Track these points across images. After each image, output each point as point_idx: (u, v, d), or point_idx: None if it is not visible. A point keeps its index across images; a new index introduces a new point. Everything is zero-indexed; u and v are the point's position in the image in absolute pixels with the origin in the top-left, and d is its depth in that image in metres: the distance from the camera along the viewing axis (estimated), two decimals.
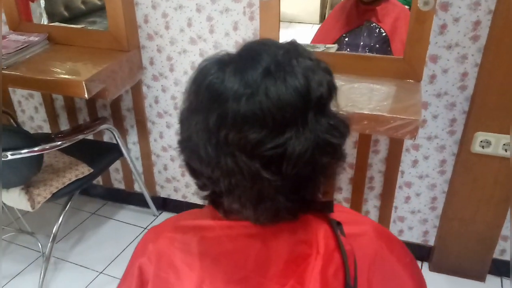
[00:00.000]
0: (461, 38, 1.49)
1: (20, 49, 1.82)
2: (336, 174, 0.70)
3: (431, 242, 1.91)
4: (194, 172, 0.69)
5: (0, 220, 2.02)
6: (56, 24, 2.08)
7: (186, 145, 0.66)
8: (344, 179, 1.88)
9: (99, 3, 2.20)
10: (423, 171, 1.77)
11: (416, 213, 1.87)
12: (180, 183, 2.22)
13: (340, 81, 1.59)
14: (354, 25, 1.92)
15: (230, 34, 1.75)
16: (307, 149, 0.60)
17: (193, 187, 2.13)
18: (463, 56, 1.52)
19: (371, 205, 1.90)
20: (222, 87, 0.60)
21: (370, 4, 1.87)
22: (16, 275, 1.96)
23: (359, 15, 1.92)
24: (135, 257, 0.78)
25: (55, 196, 1.74)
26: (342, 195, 1.93)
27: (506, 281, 1.85)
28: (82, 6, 2.30)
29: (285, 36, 1.72)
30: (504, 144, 1.54)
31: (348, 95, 1.47)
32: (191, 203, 2.25)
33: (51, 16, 2.22)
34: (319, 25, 2.03)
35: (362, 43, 1.89)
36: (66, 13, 2.28)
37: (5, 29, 2.07)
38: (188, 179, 2.17)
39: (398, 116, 1.33)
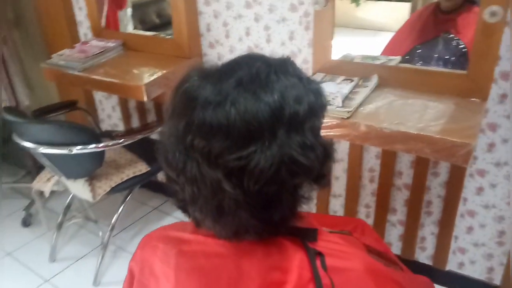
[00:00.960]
0: None
1: (97, 54, 1.98)
2: (307, 198, 0.66)
3: (497, 281, 1.70)
4: (167, 178, 0.69)
5: None
6: (131, 31, 2.22)
7: (160, 149, 0.67)
8: (399, 200, 1.76)
9: None
10: (489, 200, 1.59)
11: (480, 246, 1.68)
12: None
13: (393, 96, 1.49)
14: (429, 36, 1.79)
15: (286, 43, 1.73)
16: (271, 164, 0.58)
17: None
18: None
19: (428, 231, 1.75)
20: (196, 94, 0.61)
21: (450, 14, 1.73)
22: (80, 258, 2.13)
23: (436, 25, 1.78)
24: (130, 260, 0.81)
25: (114, 190, 1.86)
26: (396, 217, 1.80)
27: None
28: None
29: (369, 44, 1.66)
30: None
31: (398, 112, 1.37)
32: None
33: (143, 23, 2.37)
34: None
35: (436, 55, 1.75)
36: (157, 20, 2.44)
37: (89, 35, 2.27)
38: None
39: (447, 138, 1.20)
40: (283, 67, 0.64)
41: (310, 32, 1.65)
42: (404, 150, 1.33)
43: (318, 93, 0.64)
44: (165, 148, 0.64)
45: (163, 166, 0.66)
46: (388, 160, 1.69)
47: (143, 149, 2.02)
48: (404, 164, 1.68)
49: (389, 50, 1.86)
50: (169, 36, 2.05)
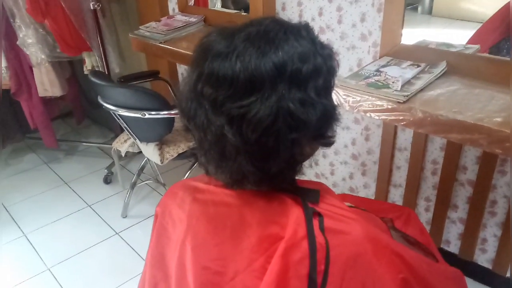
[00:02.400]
0: None
1: (179, 27, 2.11)
2: (306, 154, 0.68)
3: None
4: (184, 125, 0.75)
5: None
6: (216, 8, 2.33)
7: (178, 98, 0.73)
8: (461, 196, 1.67)
9: None
10: None
11: None
12: (328, 182, 2.16)
13: (459, 84, 1.42)
14: None
15: (357, 25, 1.70)
16: (268, 115, 0.61)
17: (340, 187, 2.12)
18: None
19: (490, 232, 1.64)
20: (210, 46, 0.66)
21: None
22: (148, 217, 2.33)
23: None
24: (157, 205, 0.89)
25: (180, 156, 1.99)
26: (457, 214, 1.71)
27: None
28: None
29: (465, 36, 1.62)
30: None
31: (460, 101, 1.30)
32: None
33: (235, 3, 2.47)
34: None
35: None
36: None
37: (176, 10, 2.41)
38: (337, 178, 2.09)
39: (504, 130, 1.13)
40: (295, 29, 0.67)
41: (382, 15, 1.61)
42: (458, 140, 1.26)
43: (328, 57, 0.67)
44: (182, 96, 0.70)
45: (179, 113, 0.73)
46: (452, 153, 1.61)
47: None
48: (470, 159, 1.59)
49: (476, 39, 1.75)
50: (244, 14, 2.12)
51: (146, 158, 2.28)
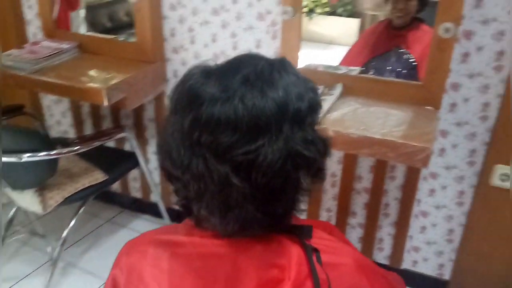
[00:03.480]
0: (484, 67, 1.46)
1: (50, 55, 1.89)
2: (308, 191, 0.69)
3: (447, 276, 1.84)
4: (169, 176, 0.69)
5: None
6: (89, 33, 2.15)
7: (162, 147, 0.67)
8: (359, 203, 1.84)
9: None
10: (440, 201, 1.72)
11: (432, 244, 1.81)
12: None
13: (356, 104, 1.58)
14: (383, 50, 1.90)
15: (253, 51, 1.76)
16: (279, 158, 0.60)
17: None
18: (485, 86, 1.48)
19: (385, 232, 1.85)
20: (201, 90, 0.62)
21: (401, 30, 1.85)
22: (23, 277, 1.99)
23: (388, 40, 1.90)
24: (112, 268, 0.78)
25: (67, 200, 1.77)
26: (356, 220, 1.89)
27: None
28: (125, 18, 2.36)
29: (321, 56, 1.73)
30: None
31: (362, 119, 1.45)
32: None
33: (94, 26, 2.29)
34: None
35: (389, 67, 1.86)
36: (109, 24, 2.36)
37: (40, 35, 2.16)
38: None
39: (409, 142, 1.30)
40: (283, 65, 0.66)
41: (277, 41, 1.70)
42: (369, 155, 1.41)
43: (315, 91, 0.68)
44: (168, 145, 0.64)
45: (166, 163, 0.66)
46: (349, 165, 1.77)
47: (99, 157, 1.96)
48: (364, 169, 1.77)
49: (346, 61, 1.96)
50: (122, 39, 2.02)
51: (15, 208, 1.97)
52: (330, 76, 1.67)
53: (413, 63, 1.80)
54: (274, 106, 0.60)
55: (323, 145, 0.66)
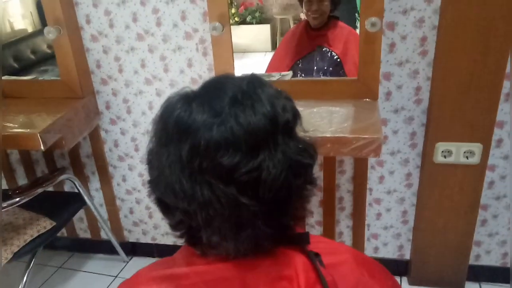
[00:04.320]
0: (411, 54, 1.54)
1: None
2: (309, 198, 0.70)
3: (407, 256, 1.92)
4: (167, 210, 0.67)
5: None
6: (6, 77, 2.01)
7: (158, 181, 0.65)
8: (314, 202, 1.88)
9: (49, 51, 2.15)
10: (390, 186, 1.79)
11: (389, 228, 1.88)
12: (148, 225, 2.15)
13: (299, 107, 1.59)
14: (306, 51, 1.96)
15: (185, 71, 1.74)
16: (282, 170, 0.60)
17: (163, 228, 2.08)
18: (414, 71, 1.57)
19: (344, 225, 1.90)
20: (191, 120, 0.61)
21: (320, 30, 1.91)
22: None
23: (310, 41, 1.95)
24: None
25: (17, 255, 1.64)
26: (314, 219, 1.92)
27: (484, 286, 1.87)
28: (32, 56, 2.23)
29: (240, 66, 1.74)
30: (464, 152, 1.58)
31: (308, 120, 1.45)
32: (161, 244, 2.18)
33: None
34: (272, 53, 2.07)
35: (316, 67, 1.92)
36: (16, 65, 2.22)
37: None
38: (157, 220, 2.11)
39: (360, 136, 1.34)
40: (259, 80, 0.67)
41: (209, 58, 1.69)
42: (323, 153, 1.44)
43: (290, 99, 0.69)
44: (166, 178, 0.62)
45: (166, 197, 0.64)
46: None
47: (41, 204, 1.83)
48: (314, 168, 1.80)
49: (272, 68, 2.00)
50: (41, 78, 1.91)
51: None
52: None
53: (337, 60, 1.88)
54: (266, 120, 0.61)
55: (313, 150, 0.68)
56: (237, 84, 0.64)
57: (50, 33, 1.66)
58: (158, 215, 2.08)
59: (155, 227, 2.14)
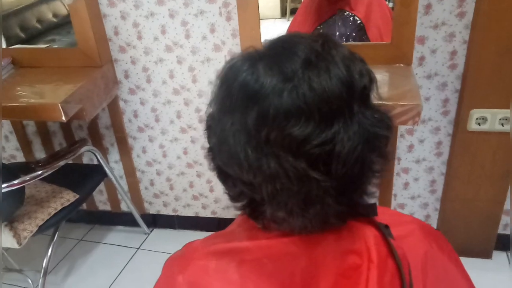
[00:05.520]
0: (447, 16, 1.46)
1: None
2: (382, 173, 0.65)
3: (434, 225, 1.89)
4: (228, 180, 0.63)
5: None
6: (18, 46, 1.94)
7: (221, 149, 0.60)
8: None
9: (54, 20, 2.08)
10: (419, 155, 1.75)
11: (416, 198, 1.85)
12: (169, 197, 2.13)
13: None
14: (327, 16, 1.87)
15: (208, 37, 1.67)
16: (357, 144, 0.55)
17: (184, 200, 2.06)
18: (450, 34, 1.49)
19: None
20: (258, 84, 0.55)
21: None
22: None
23: (330, 5, 1.86)
24: None
25: (41, 228, 1.62)
26: None
27: None
28: (38, 25, 2.16)
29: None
30: (500, 119, 1.53)
31: None
32: (182, 216, 2.16)
33: (8, 40, 2.07)
34: (282, 20, 1.98)
35: (337, 33, 1.84)
36: (22, 34, 2.15)
37: None
38: (178, 192, 2.08)
39: (398, 103, 1.28)
40: (334, 41, 0.60)
41: (233, 23, 1.61)
42: None
43: (365, 61, 0.63)
44: (230, 147, 0.57)
45: (233, 169, 0.59)
46: None
47: (62, 177, 1.79)
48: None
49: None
50: (56, 46, 1.84)
51: None
52: None
53: (360, 24, 1.79)
54: (342, 86, 0.54)
55: (390, 120, 0.61)
56: (309, 45, 0.57)
57: None
58: (179, 186, 2.06)
59: (176, 198, 2.11)
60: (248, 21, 1.54)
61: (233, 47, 1.66)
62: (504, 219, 1.79)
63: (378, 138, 0.58)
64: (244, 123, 0.55)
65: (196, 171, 1.98)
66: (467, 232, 1.82)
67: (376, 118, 0.58)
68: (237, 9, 1.53)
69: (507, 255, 1.85)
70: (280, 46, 0.60)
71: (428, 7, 1.46)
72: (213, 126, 0.62)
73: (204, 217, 2.11)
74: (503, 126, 1.54)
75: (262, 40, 1.61)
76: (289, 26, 1.96)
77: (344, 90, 0.55)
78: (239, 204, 0.67)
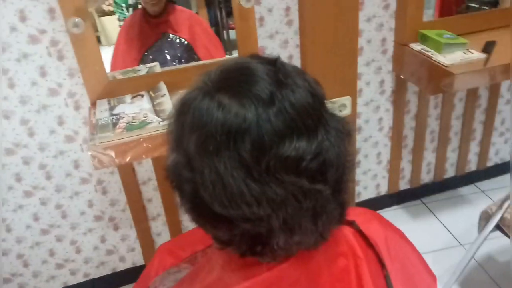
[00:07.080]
0: (279, 25, 1.61)
1: None
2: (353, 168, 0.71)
3: None
4: (222, 225, 0.59)
5: None
6: None
7: (216, 194, 0.55)
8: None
9: None
10: None
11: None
12: (25, 277, 1.76)
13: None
14: (152, 41, 1.84)
15: (38, 82, 1.44)
16: (339, 147, 0.59)
17: (45, 273, 1.76)
18: (284, 41, 1.64)
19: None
20: (240, 118, 0.53)
21: (160, 17, 1.82)
22: None
23: (152, 29, 1.84)
24: None
25: None
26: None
27: None
28: None
29: None
30: (339, 106, 1.75)
31: None
32: None
33: None
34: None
35: (168, 56, 1.83)
36: None
37: None
38: (35, 267, 1.75)
39: None
40: (280, 58, 0.62)
41: (69, 61, 1.44)
42: None
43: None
44: (229, 189, 0.54)
45: (236, 208, 0.55)
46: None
47: None
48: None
49: (118, 64, 1.80)
50: None
51: None
52: (145, 79, 1.55)
53: (188, 45, 1.83)
54: (312, 97, 0.57)
55: (344, 118, 0.66)
56: (263, 65, 0.58)
57: None
58: (35, 259, 1.73)
59: (34, 275, 1.77)
60: (88, 57, 1.40)
61: (73, 87, 1.48)
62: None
63: (349, 135, 0.63)
64: (239, 158, 0.53)
65: (55, 236, 1.70)
66: None
67: (337, 118, 0.62)
68: (72, 47, 1.37)
69: None
70: (237, 72, 0.59)
71: (262, 19, 1.58)
72: (187, 174, 0.57)
73: (75, 284, 1.83)
74: (341, 111, 1.77)
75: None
76: (113, 55, 1.83)
77: (316, 100, 0.57)
78: (231, 248, 0.63)
